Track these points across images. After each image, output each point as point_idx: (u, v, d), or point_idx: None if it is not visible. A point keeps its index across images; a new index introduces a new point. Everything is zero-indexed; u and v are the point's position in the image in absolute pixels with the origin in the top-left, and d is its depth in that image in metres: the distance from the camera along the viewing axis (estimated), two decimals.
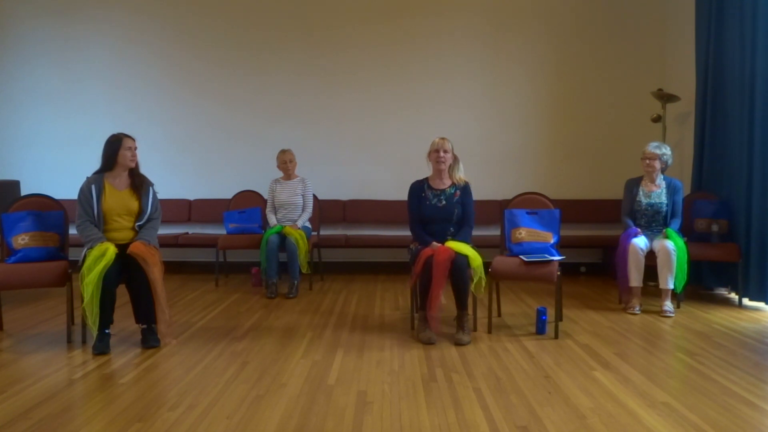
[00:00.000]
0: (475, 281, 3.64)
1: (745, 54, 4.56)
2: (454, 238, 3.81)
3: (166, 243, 5.42)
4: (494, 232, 5.33)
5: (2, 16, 6.26)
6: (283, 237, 5.07)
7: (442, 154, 3.91)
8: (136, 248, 3.48)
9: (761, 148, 4.44)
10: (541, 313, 3.83)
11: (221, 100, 6.27)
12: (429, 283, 3.58)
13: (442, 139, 3.96)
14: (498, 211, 5.75)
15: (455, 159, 3.99)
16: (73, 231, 3.78)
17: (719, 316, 4.28)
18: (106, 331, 3.49)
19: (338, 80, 6.22)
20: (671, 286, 4.30)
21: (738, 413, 2.54)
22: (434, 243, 3.73)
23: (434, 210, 3.90)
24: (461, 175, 3.99)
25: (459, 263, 3.60)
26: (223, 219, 5.62)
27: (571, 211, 5.60)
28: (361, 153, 6.25)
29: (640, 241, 4.36)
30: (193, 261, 6.27)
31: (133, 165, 3.70)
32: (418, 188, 4.00)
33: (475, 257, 3.66)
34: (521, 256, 3.88)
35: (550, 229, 4.02)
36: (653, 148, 4.56)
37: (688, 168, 5.45)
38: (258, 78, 6.24)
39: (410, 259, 3.87)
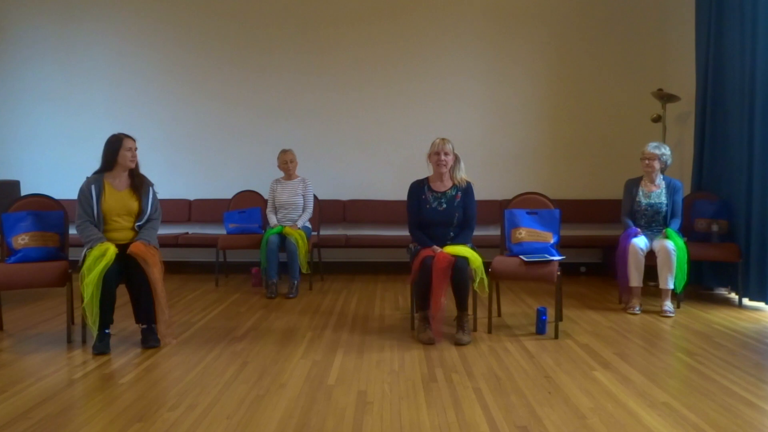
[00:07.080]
0: (476, 281, 3.62)
1: (745, 54, 4.56)
2: (454, 241, 3.78)
3: (166, 243, 5.42)
4: (494, 232, 5.34)
5: (2, 16, 6.26)
6: (283, 237, 5.07)
7: (443, 157, 3.81)
8: (136, 248, 3.48)
9: (761, 148, 4.44)
10: (541, 313, 3.82)
11: (221, 100, 6.26)
12: (426, 285, 3.55)
13: (443, 140, 3.85)
14: (498, 211, 5.74)
15: (456, 159, 3.89)
16: (73, 231, 3.78)
17: (719, 316, 4.28)
18: (106, 331, 3.49)
19: (339, 80, 6.22)
20: (671, 286, 4.30)
21: (738, 413, 2.54)
22: (435, 247, 3.69)
23: (434, 213, 3.83)
24: (463, 175, 3.91)
25: (459, 265, 3.57)
26: (223, 219, 5.62)
27: (571, 211, 5.59)
28: (361, 153, 6.24)
29: (640, 241, 4.36)
30: (193, 261, 6.27)
31: (133, 165, 3.70)
32: (418, 189, 3.92)
33: (474, 258, 3.63)
34: (521, 256, 3.87)
35: (550, 229, 4.02)
36: (652, 148, 4.56)
37: (688, 168, 5.45)
38: (258, 77, 6.24)
39: (410, 259, 3.86)
